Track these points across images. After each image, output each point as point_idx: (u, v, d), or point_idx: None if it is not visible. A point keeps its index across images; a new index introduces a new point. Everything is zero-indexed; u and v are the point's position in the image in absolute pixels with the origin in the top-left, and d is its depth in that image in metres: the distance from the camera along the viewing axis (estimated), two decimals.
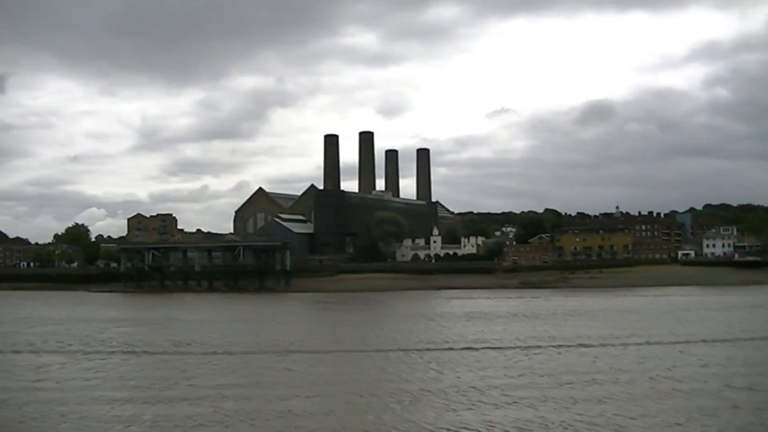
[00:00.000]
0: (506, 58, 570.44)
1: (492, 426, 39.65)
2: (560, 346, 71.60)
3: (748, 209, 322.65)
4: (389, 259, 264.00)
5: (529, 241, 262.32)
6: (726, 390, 48.38)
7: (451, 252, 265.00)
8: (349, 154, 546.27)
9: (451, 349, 70.70)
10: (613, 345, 71.53)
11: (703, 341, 72.92)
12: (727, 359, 61.28)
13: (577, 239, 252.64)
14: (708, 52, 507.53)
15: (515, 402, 45.67)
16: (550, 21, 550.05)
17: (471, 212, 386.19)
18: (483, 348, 70.93)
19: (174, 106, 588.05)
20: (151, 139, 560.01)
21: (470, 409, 44.12)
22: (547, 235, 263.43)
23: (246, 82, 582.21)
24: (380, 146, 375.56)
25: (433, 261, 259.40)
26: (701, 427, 39.11)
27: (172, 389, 51.75)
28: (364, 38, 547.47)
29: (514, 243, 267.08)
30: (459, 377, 54.83)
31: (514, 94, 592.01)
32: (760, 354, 64.87)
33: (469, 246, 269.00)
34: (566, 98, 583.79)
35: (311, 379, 55.46)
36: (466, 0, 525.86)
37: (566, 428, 39.02)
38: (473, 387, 50.43)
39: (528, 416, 41.61)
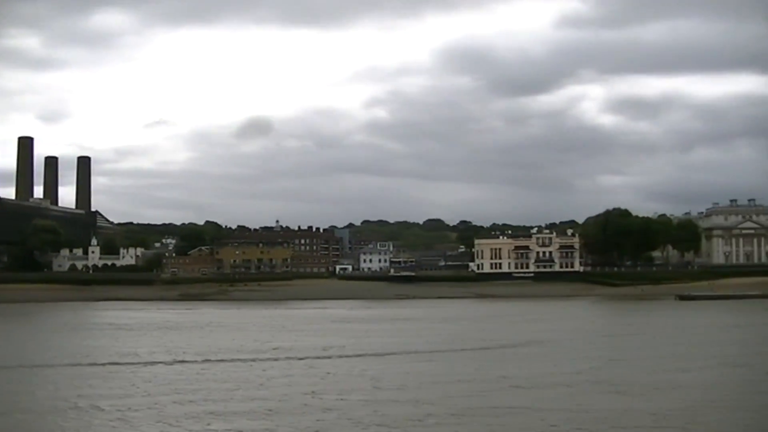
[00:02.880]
0: (169, 68, 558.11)
1: None
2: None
3: (404, 226, 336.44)
4: (45, 269, 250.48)
5: (189, 253, 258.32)
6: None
7: (109, 263, 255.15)
8: (7, 159, 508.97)
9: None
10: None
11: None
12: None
13: (237, 252, 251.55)
14: (370, 73, 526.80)
15: None
16: (215, 33, 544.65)
17: (131, 223, 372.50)
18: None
19: None
20: None
21: None
22: (208, 247, 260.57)
23: None
24: (40, 153, 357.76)
25: (90, 271, 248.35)
26: None
27: None
28: (27, 41, 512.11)
29: (174, 255, 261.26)
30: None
31: (174, 106, 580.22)
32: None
33: (129, 257, 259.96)
34: (228, 112, 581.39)
35: None
36: (132, 8, 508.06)
37: None
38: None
39: None
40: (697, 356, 68.99)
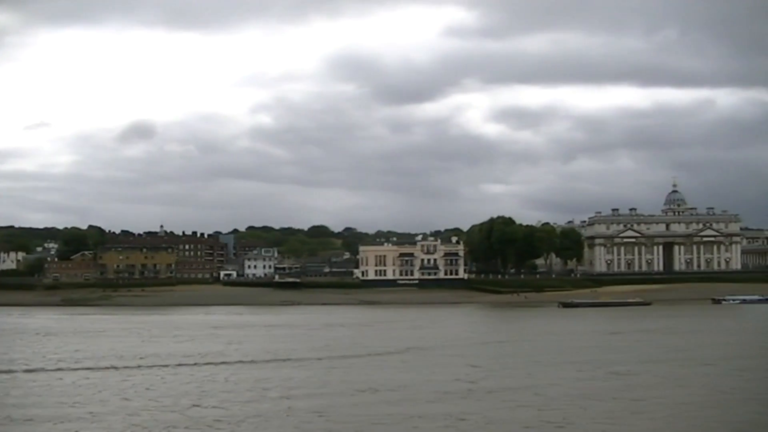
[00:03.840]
0: (52, 69, 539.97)
1: None
2: None
3: (289, 232, 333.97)
4: None
5: (72, 257, 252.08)
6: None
7: None
8: None
9: None
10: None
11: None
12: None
13: (121, 257, 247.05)
14: (255, 79, 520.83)
15: None
16: (99, 34, 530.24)
17: (12, 226, 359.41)
18: None
19: None
20: None
21: None
22: (90, 252, 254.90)
23: None
24: None
25: None
26: None
27: None
28: None
29: (56, 259, 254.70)
30: None
31: (57, 107, 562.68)
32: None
33: (9, 261, 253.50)
34: (111, 114, 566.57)
35: None
36: (15, 7, 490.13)
37: None
38: None
39: None
40: (570, 363, 69.22)
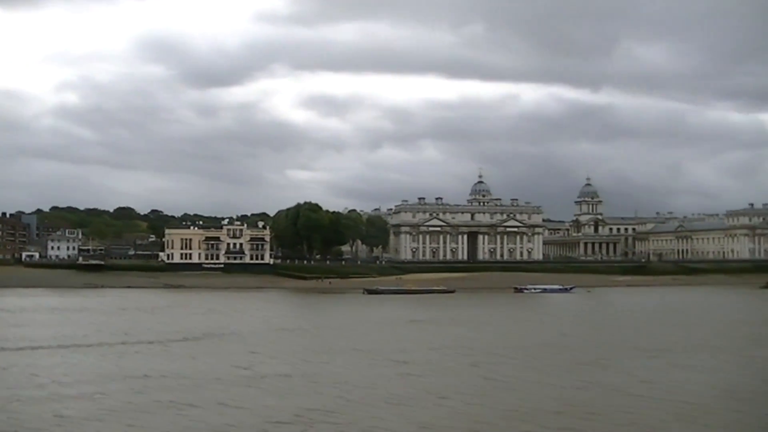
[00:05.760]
0: None
1: None
2: None
3: (94, 213, 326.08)
4: None
5: None
6: None
7: None
8: None
9: None
10: None
11: None
12: None
13: None
14: (60, 57, 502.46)
15: None
16: None
17: None
18: None
19: None
20: None
21: None
22: None
23: None
24: None
25: None
26: None
27: None
28: None
29: None
30: None
31: None
32: None
33: None
34: None
35: None
36: None
37: None
38: None
39: None
40: (356, 350, 72.26)
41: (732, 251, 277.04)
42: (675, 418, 44.03)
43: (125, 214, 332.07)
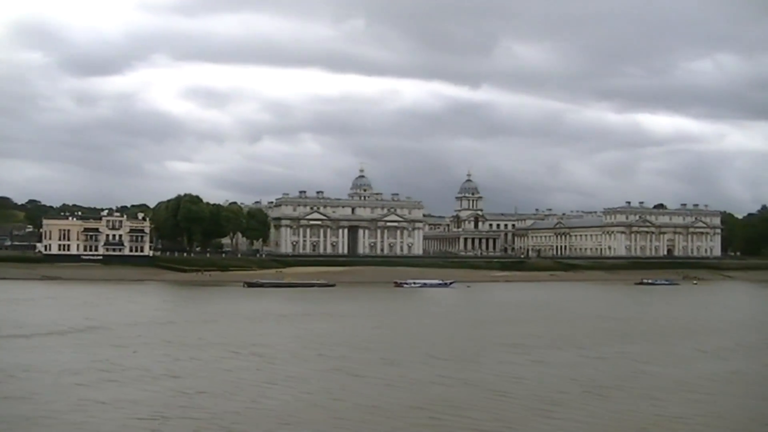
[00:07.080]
0: None
1: None
2: None
3: None
4: None
5: None
6: None
7: None
8: None
9: None
10: None
11: None
12: None
13: None
14: None
15: None
16: None
17: None
18: None
19: None
20: None
21: None
22: None
23: None
24: None
25: None
26: None
27: None
28: None
29: None
30: None
31: None
32: None
33: None
34: None
35: None
36: None
37: None
38: None
39: None
40: (220, 344, 74.34)
41: (609, 248, 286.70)
42: (534, 414, 46.51)
43: (1, 203, 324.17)
